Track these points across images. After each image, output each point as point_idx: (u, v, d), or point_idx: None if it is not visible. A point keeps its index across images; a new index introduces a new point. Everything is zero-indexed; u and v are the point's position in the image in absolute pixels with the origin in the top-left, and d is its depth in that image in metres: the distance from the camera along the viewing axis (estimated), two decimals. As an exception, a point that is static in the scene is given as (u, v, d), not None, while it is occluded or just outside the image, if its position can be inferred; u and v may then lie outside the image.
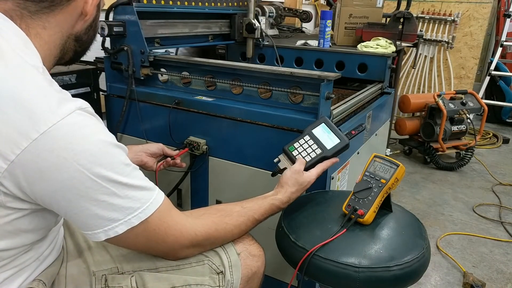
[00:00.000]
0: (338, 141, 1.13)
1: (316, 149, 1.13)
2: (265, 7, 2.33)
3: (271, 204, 1.04)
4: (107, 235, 0.71)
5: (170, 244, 0.83)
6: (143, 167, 1.33)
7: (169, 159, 1.37)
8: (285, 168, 1.15)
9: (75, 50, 0.83)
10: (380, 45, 1.85)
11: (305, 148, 1.14)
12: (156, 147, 1.35)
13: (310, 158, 1.13)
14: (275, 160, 1.20)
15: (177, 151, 1.40)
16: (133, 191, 0.72)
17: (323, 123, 1.16)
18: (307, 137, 1.15)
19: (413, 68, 4.24)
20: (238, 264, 0.97)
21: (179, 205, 1.64)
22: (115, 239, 0.73)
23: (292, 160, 1.15)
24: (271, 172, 1.35)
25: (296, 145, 1.15)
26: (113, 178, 0.69)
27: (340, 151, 1.13)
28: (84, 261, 0.91)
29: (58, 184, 0.65)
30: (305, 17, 2.72)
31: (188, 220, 0.85)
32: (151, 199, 0.76)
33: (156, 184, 1.39)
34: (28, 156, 0.62)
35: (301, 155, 1.14)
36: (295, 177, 1.09)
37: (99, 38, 1.50)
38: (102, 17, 1.50)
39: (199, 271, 0.93)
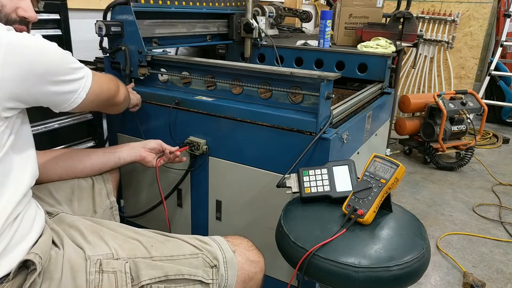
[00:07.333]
0: (351, 189, 1.10)
1: (326, 185, 1.13)
2: (265, 7, 2.33)
3: None
4: (85, 91, 0.93)
5: (112, 80, 1.13)
6: (142, 162, 1.34)
7: (167, 152, 1.37)
8: (289, 187, 1.16)
9: None
10: (380, 45, 1.85)
11: (317, 179, 1.14)
12: (155, 142, 1.37)
13: (315, 191, 1.12)
14: (286, 175, 1.20)
15: (177, 147, 1.41)
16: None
17: (347, 166, 1.15)
18: (324, 171, 1.15)
19: (413, 68, 4.24)
20: (233, 262, 1.01)
21: (179, 205, 1.64)
22: (91, 93, 0.95)
23: (300, 185, 1.15)
24: (271, 172, 1.36)
25: (311, 172, 1.15)
26: (64, 50, 0.90)
27: (345, 198, 1.08)
28: (81, 248, 0.93)
29: (47, 68, 0.84)
30: (305, 17, 2.72)
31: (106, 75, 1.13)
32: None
33: (158, 182, 1.42)
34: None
35: (310, 184, 1.13)
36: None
37: (97, 38, 1.51)
38: (100, 17, 1.51)
39: (193, 263, 0.96)
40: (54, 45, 0.87)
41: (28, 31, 0.96)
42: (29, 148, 0.93)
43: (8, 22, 0.90)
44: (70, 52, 0.93)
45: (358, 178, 1.08)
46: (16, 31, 0.87)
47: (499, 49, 4.08)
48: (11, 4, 0.91)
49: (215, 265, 0.98)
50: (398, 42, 1.97)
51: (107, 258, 0.91)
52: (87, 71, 0.96)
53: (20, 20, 0.93)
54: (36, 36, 0.85)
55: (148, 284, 0.90)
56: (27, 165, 0.91)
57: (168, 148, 1.38)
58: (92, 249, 0.93)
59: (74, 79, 0.91)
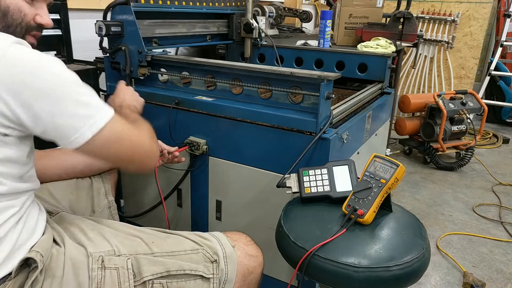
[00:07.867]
0: (351, 189, 1.10)
1: (326, 185, 1.13)
2: (265, 7, 2.33)
3: (126, 112, 1.16)
4: (92, 131, 0.79)
5: (146, 144, 0.93)
6: None
7: (166, 152, 1.37)
8: (289, 187, 1.16)
9: None
10: (380, 45, 1.85)
11: (317, 179, 1.14)
12: None
13: (315, 191, 1.13)
14: (286, 175, 1.20)
15: (176, 147, 1.41)
16: (94, 94, 0.83)
17: (347, 166, 1.15)
18: (324, 171, 1.15)
19: (413, 68, 4.24)
20: (233, 256, 1.02)
21: (179, 205, 1.64)
22: (100, 137, 0.80)
23: (300, 185, 1.15)
24: (271, 172, 1.36)
25: (311, 172, 1.15)
26: (80, 82, 0.81)
27: (345, 198, 1.08)
28: (83, 245, 0.93)
29: (40, 91, 0.75)
30: (305, 17, 2.72)
31: (137, 128, 0.95)
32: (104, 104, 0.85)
33: (157, 182, 1.42)
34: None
35: (310, 184, 1.13)
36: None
37: (97, 38, 1.51)
38: (100, 17, 1.51)
39: (193, 258, 0.97)
40: (64, 71, 0.79)
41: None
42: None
43: (28, 29, 0.91)
44: (87, 85, 0.82)
45: (358, 178, 1.08)
46: (35, 37, 0.92)
47: (499, 49, 4.08)
48: (31, 12, 0.91)
49: (215, 260, 0.99)
50: (398, 42, 1.97)
51: (109, 255, 0.92)
52: (103, 111, 0.82)
53: (37, 26, 0.93)
54: (48, 57, 0.79)
55: (150, 280, 0.91)
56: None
57: (166, 148, 1.38)
58: (93, 246, 0.93)
59: (77, 114, 0.78)
